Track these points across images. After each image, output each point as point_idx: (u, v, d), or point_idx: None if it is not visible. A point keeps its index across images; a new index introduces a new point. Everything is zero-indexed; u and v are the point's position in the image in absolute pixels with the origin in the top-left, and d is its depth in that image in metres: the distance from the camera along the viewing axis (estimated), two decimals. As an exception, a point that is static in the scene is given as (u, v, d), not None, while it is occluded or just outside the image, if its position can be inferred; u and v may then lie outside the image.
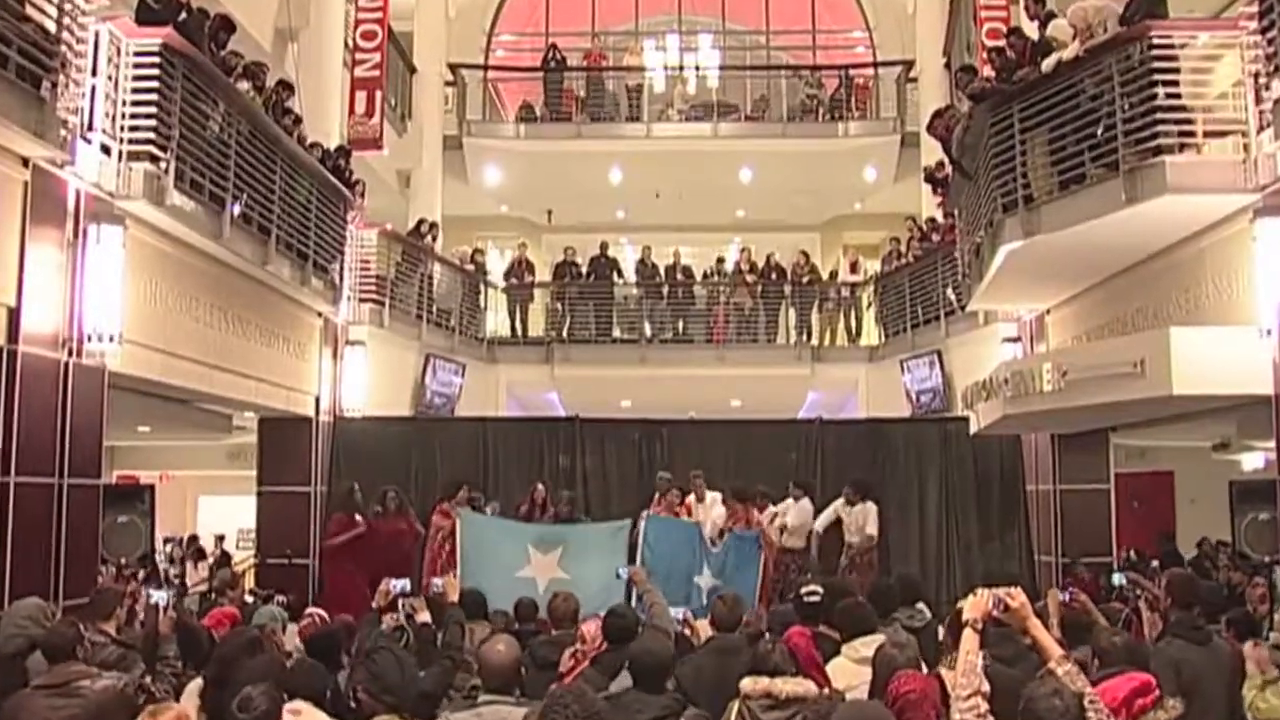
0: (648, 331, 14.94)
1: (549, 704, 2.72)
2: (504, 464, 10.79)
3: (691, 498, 9.22)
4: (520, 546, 7.70)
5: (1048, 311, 9.91)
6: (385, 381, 11.46)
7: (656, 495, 9.04)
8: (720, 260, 15.84)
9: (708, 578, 7.75)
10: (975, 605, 2.95)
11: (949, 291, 12.08)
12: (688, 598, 6.81)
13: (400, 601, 4.95)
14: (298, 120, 9.68)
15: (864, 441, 10.75)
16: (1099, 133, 6.90)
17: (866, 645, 3.97)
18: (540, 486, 9.53)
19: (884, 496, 10.36)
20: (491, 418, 11.94)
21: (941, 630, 4.40)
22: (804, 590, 4.79)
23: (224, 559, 10.89)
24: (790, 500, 9.28)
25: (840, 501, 9.38)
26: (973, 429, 9.40)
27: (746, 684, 3.40)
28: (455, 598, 4.97)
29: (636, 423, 11.15)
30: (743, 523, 8.64)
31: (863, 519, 9.16)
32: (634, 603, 6.81)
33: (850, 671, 4.03)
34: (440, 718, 3.45)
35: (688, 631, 5.20)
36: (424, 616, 4.85)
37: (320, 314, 10.26)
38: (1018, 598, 2.94)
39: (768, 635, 4.19)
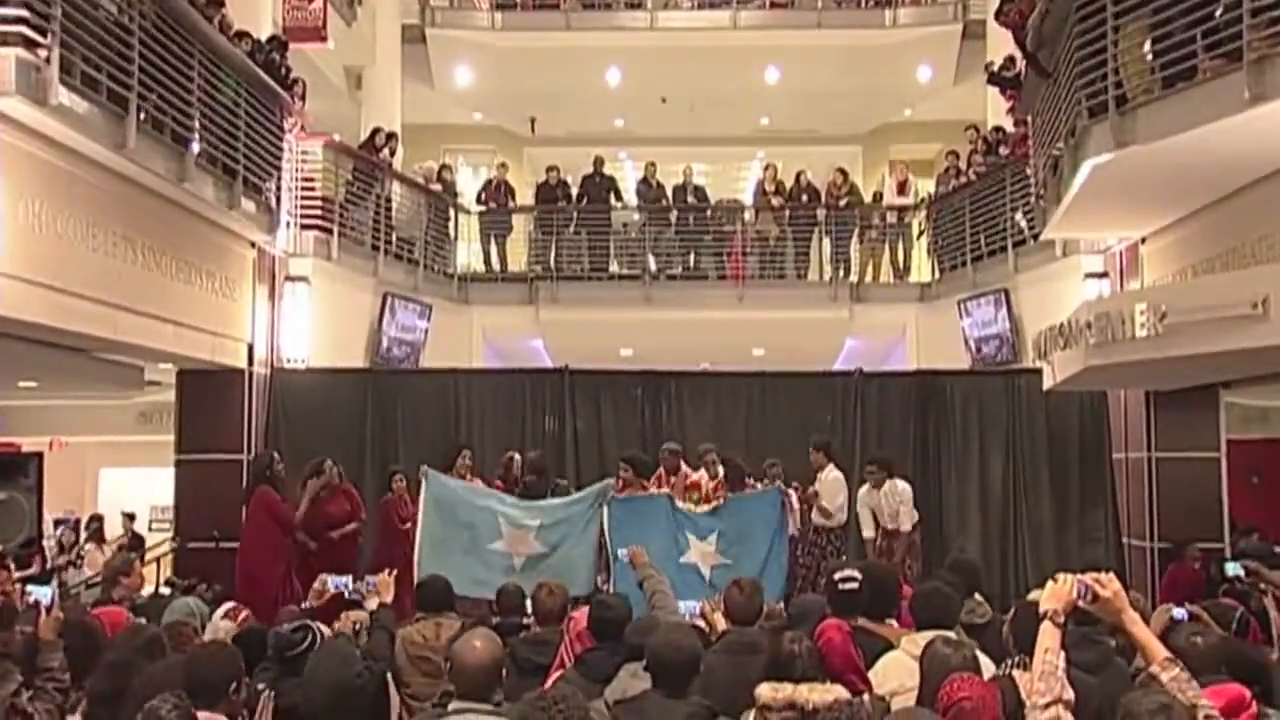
0: (652, 266, 14.95)
1: (526, 712, 2.71)
2: (479, 426, 10.83)
3: (701, 474, 9.18)
4: (493, 515, 7.79)
5: (1142, 240, 9.88)
6: (334, 326, 11.47)
7: (661, 472, 8.96)
8: (740, 180, 15.64)
9: (705, 551, 7.66)
10: (1056, 593, 2.95)
11: (1019, 217, 12.07)
12: (684, 588, 6.66)
13: (348, 594, 5.09)
14: (218, 2, 9.45)
15: (913, 399, 10.76)
16: (1217, 13, 6.68)
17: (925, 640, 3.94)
18: (516, 457, 9.50)
19: (936, 466, 10.55)
20: (463, 370, 11.89)
21: (1005, 629, 4.43)
22: (838, 575, 4.80)
23: (135, 543, 10.87)
24: (820, 476, 9.28)
25: (864, 489, 9.40)
26: (1046, 384, 9.42)
27: (765, 691, 3.39)
28: (389, 598, 5.01)
29: (638, 375, 11.19)
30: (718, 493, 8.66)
31: (895, 502, 9.19)
32: (607, 582, 6.99)
33: (906, 670, 4.04)
34: None
35: (703, 625, 5.26)
36: (376, 601, 4.93)
37: (253, 244, 10.20)
38: (1110, 585, 2.94)
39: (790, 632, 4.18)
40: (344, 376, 10.99)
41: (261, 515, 8.11)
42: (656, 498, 8.24)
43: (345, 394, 10.74)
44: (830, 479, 9.24)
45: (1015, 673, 3.59)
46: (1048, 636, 2.88)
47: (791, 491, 8.42)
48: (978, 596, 5.56)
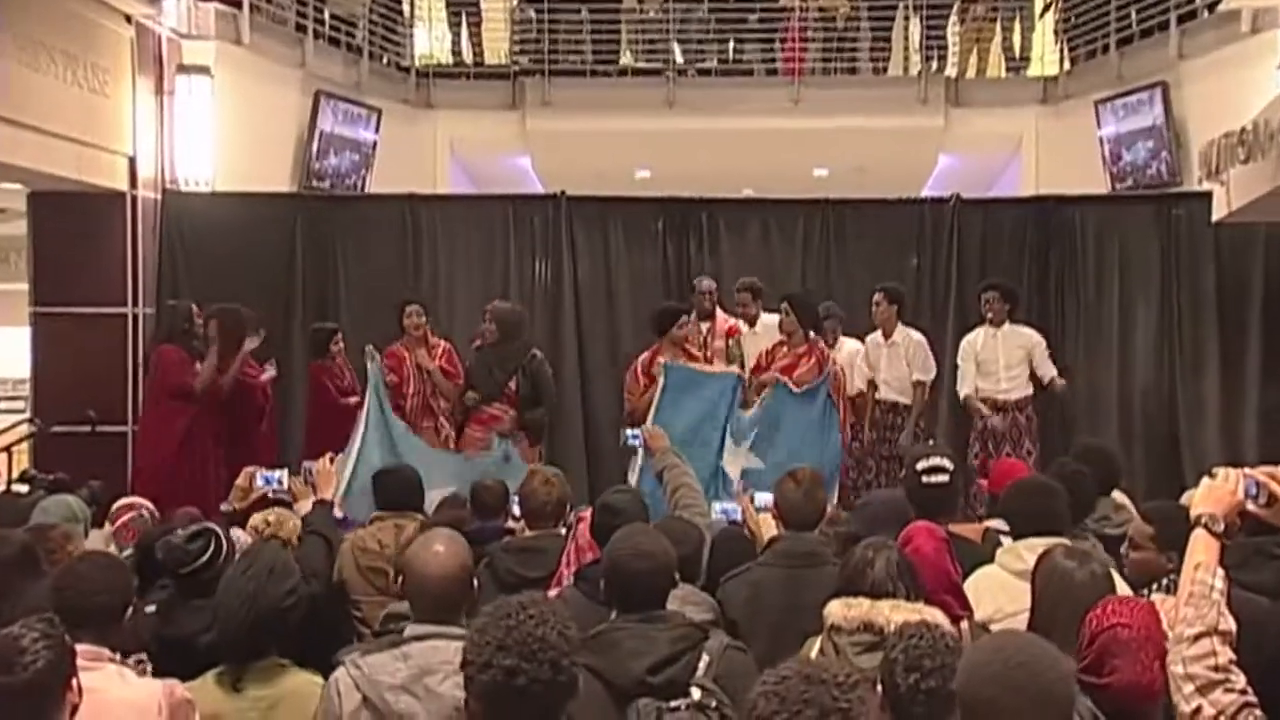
0: (678, 57, 14.61)
1: (485, 624, 2.77)
2: (445, 272, 10.91)
3: (739, 321, 9.41)
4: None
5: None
6: (247, 136, 11.40)
7: (683, 319, 8.88)
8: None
9: (742, 457, 7.87)
10: (1213, 494, 3.06)
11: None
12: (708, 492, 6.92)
13: (273, 494, 5.37)
14: None
15: (1029, 235, 10.77)
16: None
17: (1035, 551, 4.07)
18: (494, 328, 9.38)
19: (1058, 324, 10.47)
20: (424, 196, 11.68)
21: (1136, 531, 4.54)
22: (922, 465, 4.89)
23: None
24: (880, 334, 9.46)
25: (974, 335, 9.48)
26: (1217, 213, 9.40)
27: (836, 609, 3.50)
28: (327, 493, 5.19)
29: (658, 204, 11.21)
30: (808, 364, 8.59)
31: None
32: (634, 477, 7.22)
33: (1005, 590, 4.19)
34: (345, 665, 3.43)
35: (745, 531, 5.45)
36: (309, 506, 5.16)
37: (129, 18, 9.98)
38: None
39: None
40: (263, 205, 10.94)
41: (166, 382, 8.30)
42: (723, 377, 8.25)
43: (265, 228, 10.73)
44: (914, 342, 9.34)
45: (1157, 597, 3.72)
46: (1201, 549, 2.96)
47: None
48: (1117, 496, 5.69)
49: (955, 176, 14.36)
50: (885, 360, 9.32)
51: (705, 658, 3.54)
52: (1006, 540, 4.69)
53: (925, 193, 14.04)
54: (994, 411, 9.17)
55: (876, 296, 9.40)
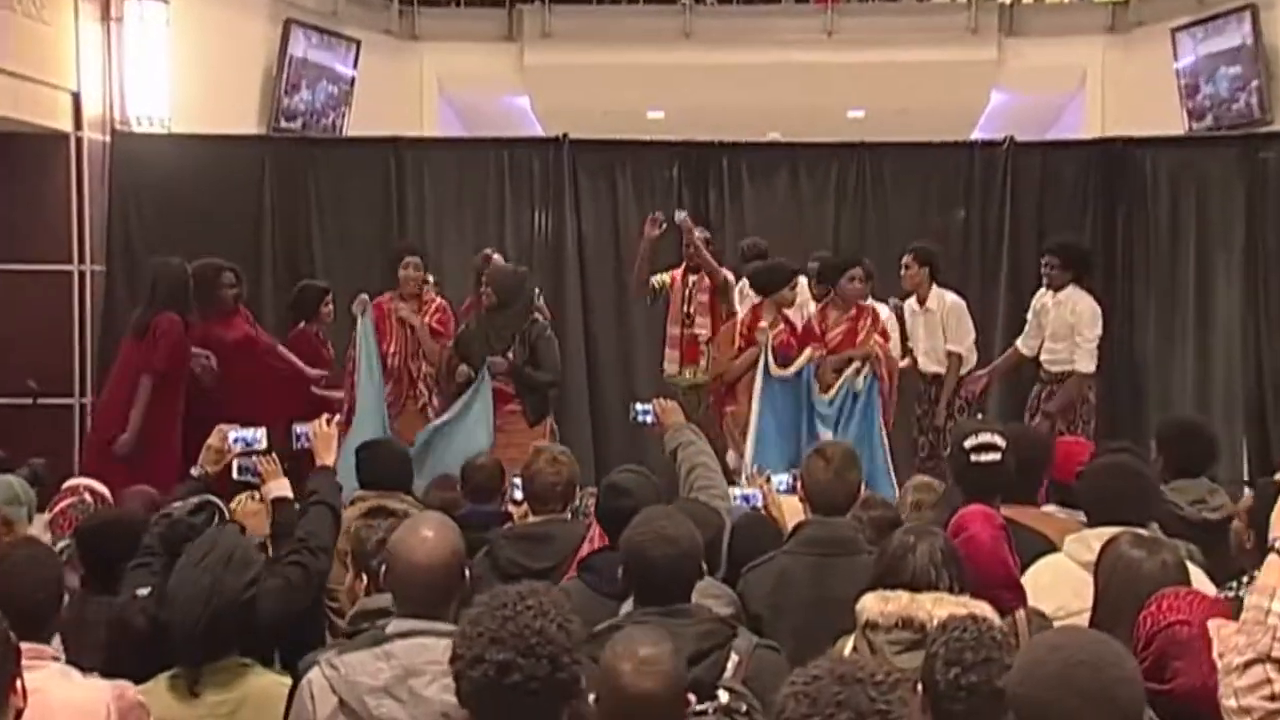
0: None
1: (479, 615, 2.80)
2: (433, 224, 10.93)
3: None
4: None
5: None
6: (209, 71, 11.41)
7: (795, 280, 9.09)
8: None
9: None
10: None
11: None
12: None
13: (239, 464, 5.26)
14: None
15: (1094, 182, 10.74)
16: None
17: (1104, 539, 4.09)
18: (496, 258, 9.45)
19: (1127, 284, 10.52)
20: (410, 139, 11.75)
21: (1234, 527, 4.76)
22: (970, 443, 4.88)
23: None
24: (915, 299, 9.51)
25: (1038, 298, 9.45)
26: None
27: (871, 604, 3.50)
28: (329, 459, 5.08)
29: (673, 148, 11.23)
30: (844, 333, 8.79)
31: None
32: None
33: (1070, 584, 4.16)
34: (320, 665, 3.43)
35: (769, 514, 5.50)
36: (278, 488, 5.11)
37: None
38: None
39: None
40: (227, 148, 10.92)
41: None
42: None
43: (229, 175, 10.71)
44: (948, 306, 9.32)
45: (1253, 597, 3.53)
46: (1275, 575, 2.91)
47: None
48: (1206, 480, 5.63)
49: (1009, 117, 14.43)
50: (922, 329, 9.33)
51: (734, 657, 3.56)
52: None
53: (975, 136, 14.00)
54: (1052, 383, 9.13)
55: (906, 259, 9.41)
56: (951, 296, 9.41)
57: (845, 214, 10.85)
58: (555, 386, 8.89)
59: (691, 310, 9.14)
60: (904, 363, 9.23)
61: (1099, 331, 9.05)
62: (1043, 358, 9.17)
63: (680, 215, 9.41)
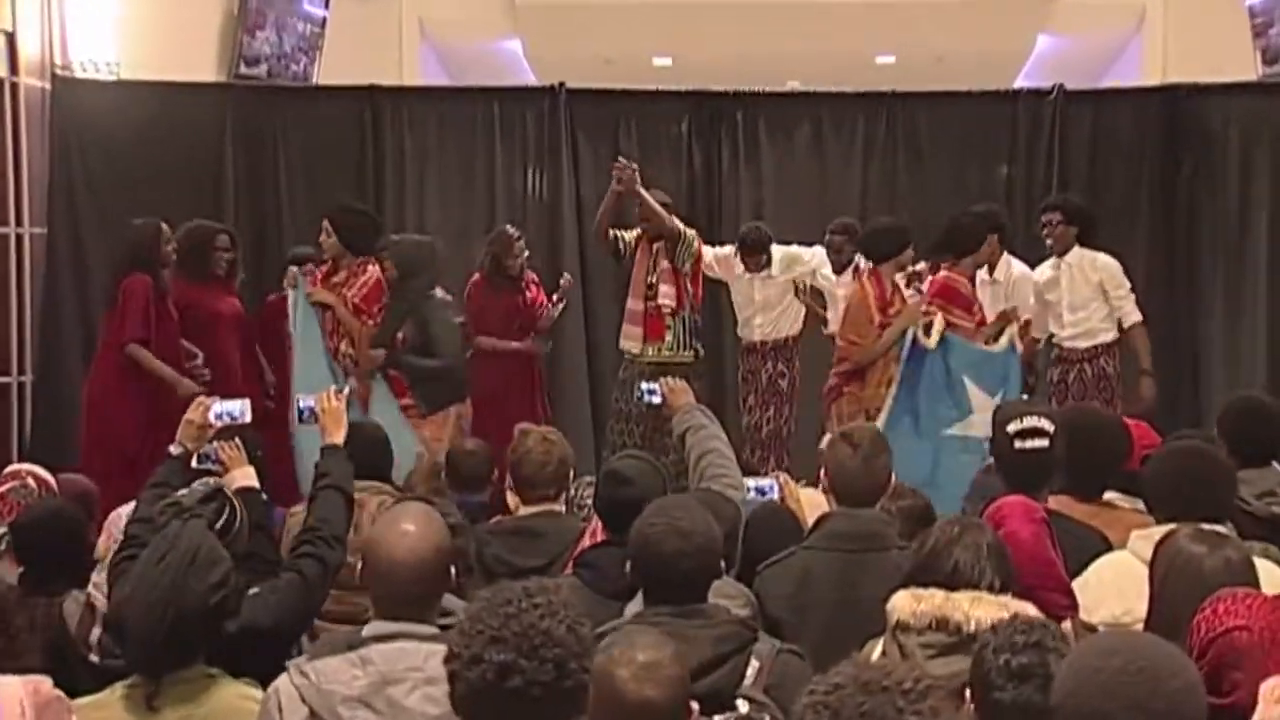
0: None
1: (480, 612, 2.82)
2: (412, 186, 11.03)
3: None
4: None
5: None
6: (162, 9, 11.33)
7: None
8: None
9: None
10: None
11: None
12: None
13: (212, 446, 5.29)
14: None
15: (1153, 135, 10.83)
16: None
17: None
18: (512, 232, 9.45)
19: (1188, 247, 10.70)
20: (389, 89, 11.78)
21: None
22: (1013, 427, 4.90)
23: None
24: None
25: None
26: None
27: (902, 603, 3.51)
28: (339, 436, 5.11)
29: (683, 99, 11.32)
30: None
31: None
32: None
33: (1135, 585, 4.08)
34: (289, 671, 3.48)
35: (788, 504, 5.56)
36: (242, 477, 5.11)
37: None
38: None
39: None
40: (182, 97, 10.84)
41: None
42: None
43: (186, 128, 10.67)
44: (1018, 277, 9.31)
45: None
46: None
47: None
48: (1277, 468, 5.58)
49: (1058, 62, 14.32)
50: (989, 301, 9.16)
51: (755, 663, 3.57)
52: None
53: (1019, 84, 13.90)
54: (1057, 363, 9.24)
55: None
56: (1020, 267, 9.37)
57: (874, 173, 10.90)
58: (451, 373, 8.72)
59: (655, 280, 9.02)
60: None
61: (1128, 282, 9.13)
62: (1063, 334, 9.19)
63: (621, 163, 9.20)
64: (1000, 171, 10.87)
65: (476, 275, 9.43)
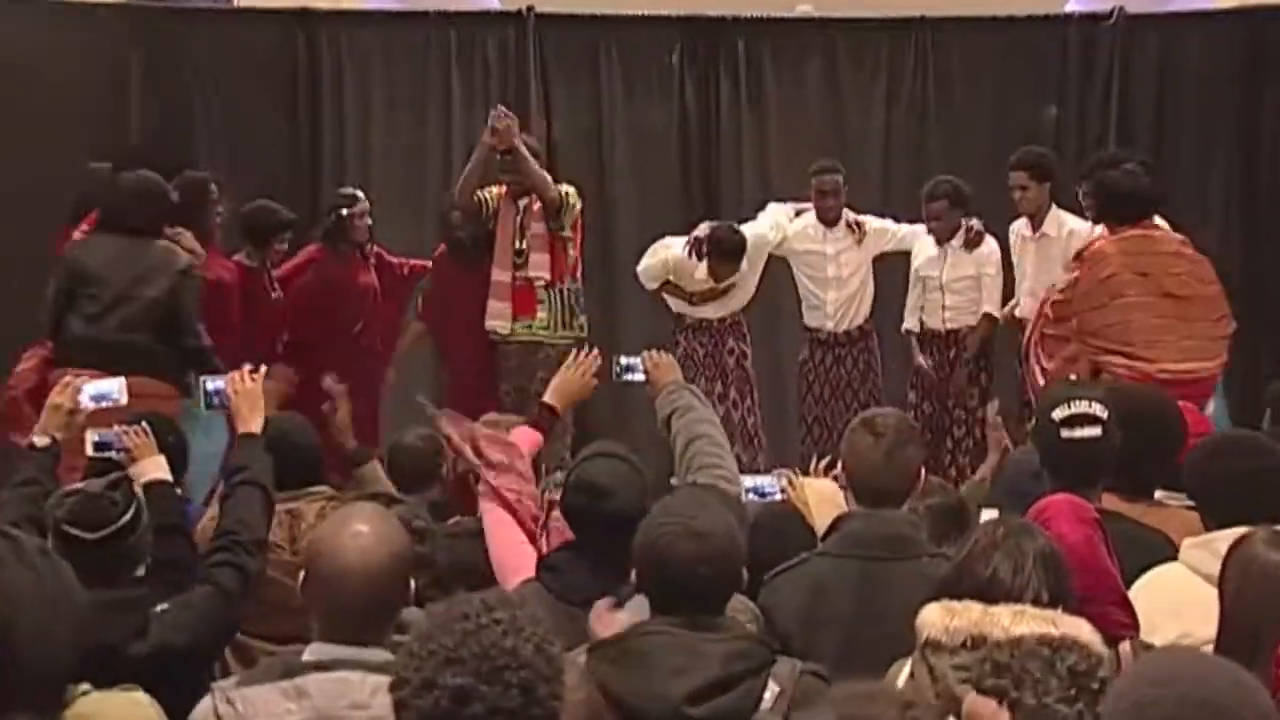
0: None
1: (434, 631, 2.78)
2: (354, 124, 11.13)
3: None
4: None
5: None
6: None
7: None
8: None
9: None
10: None
11: None
12: None
13: (96, 436, 5.38)
14: None
15: (1230, 64, 10.99)
16: None
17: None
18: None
19: (1273, 207, 10.66)
20: (325, 13, 11.77)
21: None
22: (1060, 414, 4.90)
23: None
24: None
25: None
26: None
27: (932, 618, 3.33)
28: (256, 424, 5.22)
29: (674, 25, 11.41)
30: None
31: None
32: None
33: (1200, 603, 4.12)
34: (213, 697, 3.48)
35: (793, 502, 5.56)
36: (153, 469, 5.15)
37: None
38: None
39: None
40: (80, 19, 10.85)
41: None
42: None
43: (85, 54, 10.69)
44: (1068, 233, 9.21)
45: None
46: None
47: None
48: None
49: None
50: (1032, 259, 9.30)
51: (773, 686, 3.57)
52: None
53: (1070, 7, 13.63)
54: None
55: (1019, 176, 9.31)
56: (1072, 220, 9.26)
57: (898, 112, 10.98)
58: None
59: (524, 246, 9.02)
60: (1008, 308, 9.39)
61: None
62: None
63: (501, 110, 9.14)
64: (1049, 112, 10.89)
65: (437, 249, 9.57)
